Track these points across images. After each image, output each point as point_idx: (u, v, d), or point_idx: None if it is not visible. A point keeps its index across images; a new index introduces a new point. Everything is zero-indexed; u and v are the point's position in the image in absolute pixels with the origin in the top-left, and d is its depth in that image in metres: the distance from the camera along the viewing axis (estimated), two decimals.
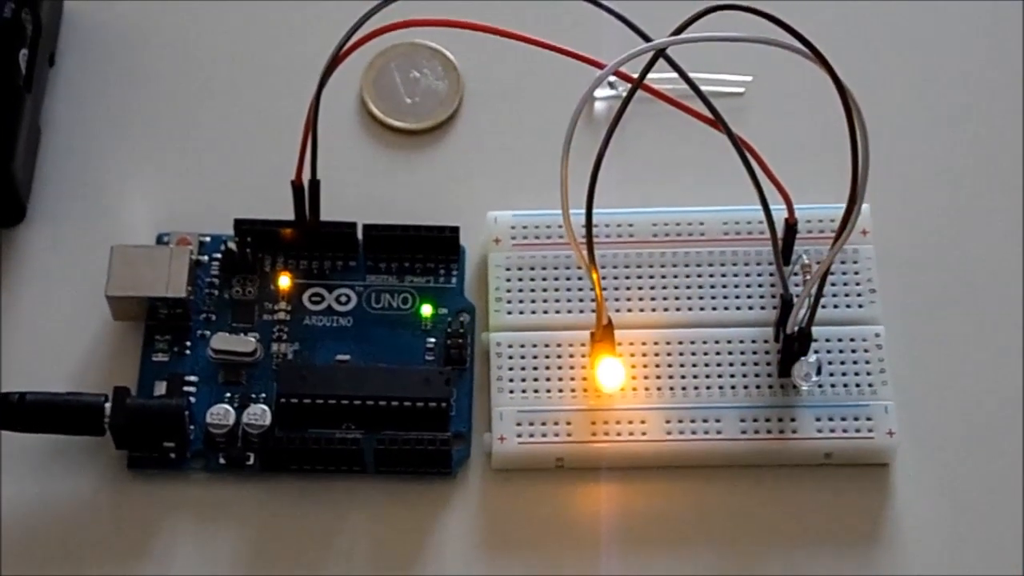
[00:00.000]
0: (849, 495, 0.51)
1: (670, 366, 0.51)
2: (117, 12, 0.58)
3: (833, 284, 0.52)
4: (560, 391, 0.51)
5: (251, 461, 0.50)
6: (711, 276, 0.53)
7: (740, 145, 0.48)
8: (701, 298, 0.52)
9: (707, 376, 0.51)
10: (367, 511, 0.50)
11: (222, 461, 0.50)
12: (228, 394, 0.51)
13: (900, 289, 0.53)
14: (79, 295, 0.53)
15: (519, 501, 0.51)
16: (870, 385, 0.51)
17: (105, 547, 0.50)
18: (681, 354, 0.51)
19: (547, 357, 0.51)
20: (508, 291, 0.52)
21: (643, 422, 0.50)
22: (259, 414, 0.50)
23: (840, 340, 0.52)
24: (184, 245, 0.53)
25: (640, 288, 0.52)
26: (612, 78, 0.55)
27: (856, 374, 0.51)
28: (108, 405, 0.49)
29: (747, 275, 0.53)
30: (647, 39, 0.47)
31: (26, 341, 0.52)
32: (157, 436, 0.50)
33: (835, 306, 0.52)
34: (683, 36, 0.46)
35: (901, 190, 0.55)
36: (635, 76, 0.48)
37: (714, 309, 0.52)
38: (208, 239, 0.53)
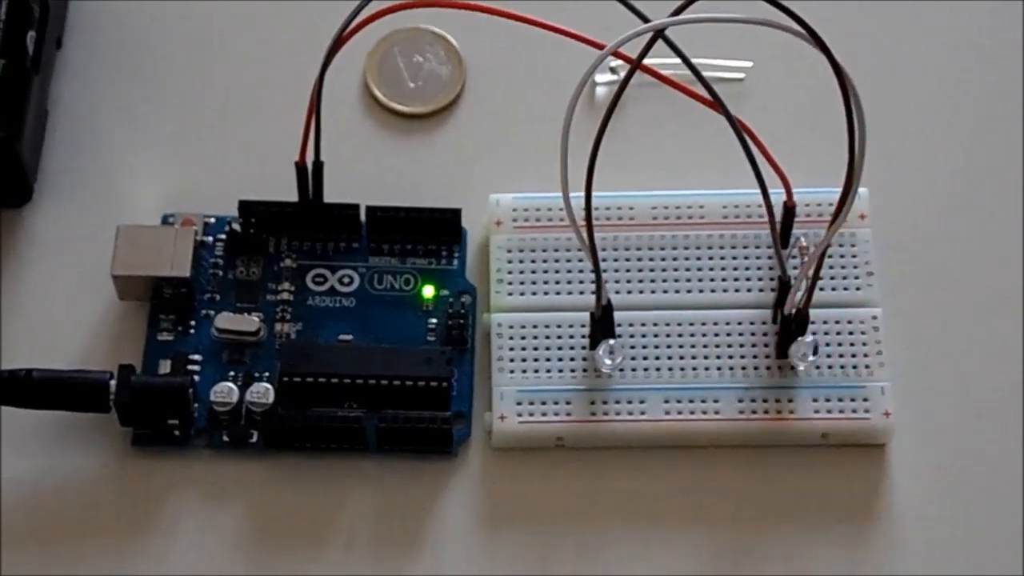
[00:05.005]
0: (846, 475, 0.51)
1: (669, 347, 0.52)
2: None
3: (831, 267, 0.53)
4: (560, 371, 0.51)
5: (254, 439, 0.51)
6: (710, 259, 0.53)
7: (739, 128, 0.48)
8: (700, 280, 0.53)
9: (705, 357, 0.51)
10: (368, 489, 0.51)
11: (226, 439, 0.51)
12: (232, 373, 0.52)
13: (897, 272, 0.54)
14: (85, 275, 0.53)
15: (519, 480, 0.51)
16: (867, 366, 0.51)
17: (109, 523, 0.50)
18: (680, 335, 0.52)
19: (547, 338, 0.52)
20: (509, 273, 0.53)
21: (642, 402, 0.51)
22: (262, 392, 0.51)
23: (838, 322, 0.52)
24: (189, 226, 0.53)
25: (640, 270, 0.53)
26: (615, 63, 0.56)
27: (853, 355, 0.51)
28: (113, 382, 0.50)
29: (746, 258, 0.53)
30: (646, 20, 0.47)
31: (33, 320, 0.53)
32: (162, 413, 0.50)
33: (833, 289, 0.53)
34: (682, 17, 0.46)
35: (899, 174, 0.55)
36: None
37: (713, 291, 0.53)
38: (213, 220, 0.54)
